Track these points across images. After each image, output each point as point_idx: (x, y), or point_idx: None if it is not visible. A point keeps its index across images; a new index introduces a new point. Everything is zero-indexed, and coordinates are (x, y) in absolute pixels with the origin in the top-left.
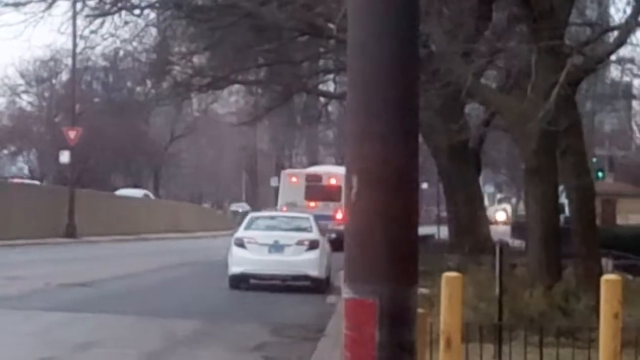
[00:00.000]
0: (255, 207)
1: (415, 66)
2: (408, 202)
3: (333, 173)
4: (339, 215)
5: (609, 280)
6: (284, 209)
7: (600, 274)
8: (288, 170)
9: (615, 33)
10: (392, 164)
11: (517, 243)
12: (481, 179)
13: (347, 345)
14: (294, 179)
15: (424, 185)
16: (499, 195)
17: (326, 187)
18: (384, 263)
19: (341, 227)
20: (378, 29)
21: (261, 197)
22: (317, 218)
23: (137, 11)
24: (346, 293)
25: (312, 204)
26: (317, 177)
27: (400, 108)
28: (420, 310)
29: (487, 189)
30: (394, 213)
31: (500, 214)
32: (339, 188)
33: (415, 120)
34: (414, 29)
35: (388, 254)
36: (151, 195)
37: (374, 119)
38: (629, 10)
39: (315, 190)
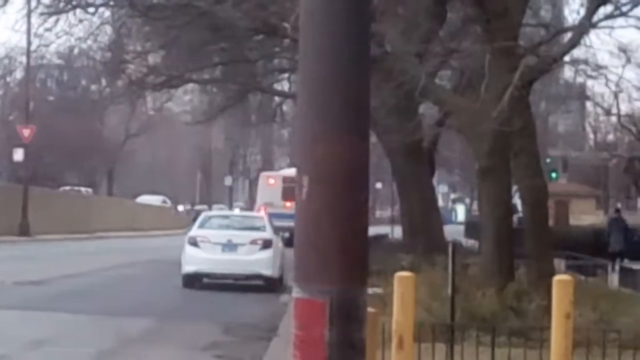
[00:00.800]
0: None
1: (366, 66)
2: (358, 201)
3: None
4: None
5: (561, 280)
6: (262, 208)
7: (553, 274)
8: (266, 173)
9: (569, 34)
10: (342, 163)
11: (470, 243)
12: (435, 179)
13: (297, 345)
14: (271, 181)
15: (378, 185)
16: (452, 195)
17: None
18: (333, 263)
19: None
20: (329, 29)
21: (215, 196)
22: (294, 216)
23: (91, 9)
24: (296, 293)
25: (289, 203)
26: (293, 179)
27: (350, 108)
28: (371, 309)
29: (441, 189)
30: (344, 213)
31: None
32: None
33: (366, 119)
34: (365, 28)
35: (338, 253)
36: (168, 202)
37: (325, 119)
38: (582, 12)
39: (292, 190)
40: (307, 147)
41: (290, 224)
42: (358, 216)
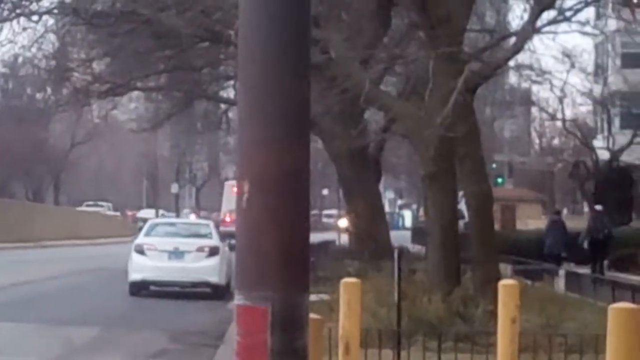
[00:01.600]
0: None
1: (306, 71)
2: (299, 207)
3: None
4: None
5: (506, 285)
6: (228, 215)
7: (499, 279)
8: (230, 182)
9: (514, 40)
10: (282, 169)
11: (417, 248)
12: (382, 185)
13: (239, 352)
14: (235, 189)
15: (325, 192)
16: (399, 201)
17: None
18: (275, 269)
19: None
20: (268, 35)
21: (162, 203)
22: None
23: (35, 17)
24: (238, 300)
25: None
26: None
27: (290, 114)
28: (316, 316)
29: (388, 195)
30: (285, 219)
31: (342, 221)
32: None
33: (305, 125)
34: (305, 33)
35: (279, 260)
36: (166, 214)
37: (264, 125)
38: (526, 17)
39: None
40: (248, 153)
41: None
42: (299, 222)
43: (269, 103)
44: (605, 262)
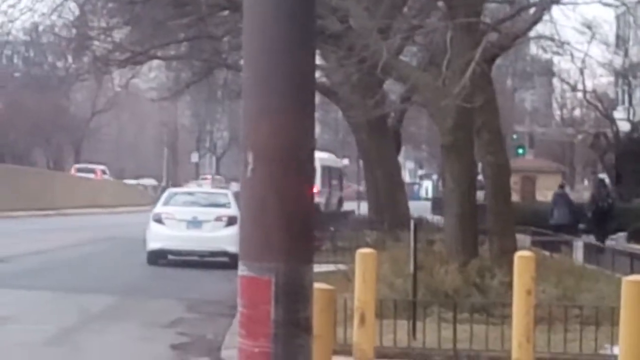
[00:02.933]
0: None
1: (311, 39)
2: (303, 178)
3: None
4: (314, 189)
5: (522, 256)
6: None
7: (515, 250)
8: None
9: (533, 10)
10: (287, 139)
11: (437, 219)
12: (402, 155)
13: (243, 322)
14: None
15: (345, 161)
16: (420, 172)
17: None
18: (278, 240)
19: (316, 200)
20: (273, 5)
21: (182, 172)
22: None
23: None
24: (241, 270)
25: None
26: None
27: (295, 84)
28: (327, 286)
29: (408, 165)
30: (289, 190)
31: None
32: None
33: (311, 96)
34: (311, 4)
35: (283, 230)
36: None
37: (268, 94)
38: None
39: None
40: (252, 123)
41: None
42: (303, 193)
43: (274, 73)
44: (623, 234)
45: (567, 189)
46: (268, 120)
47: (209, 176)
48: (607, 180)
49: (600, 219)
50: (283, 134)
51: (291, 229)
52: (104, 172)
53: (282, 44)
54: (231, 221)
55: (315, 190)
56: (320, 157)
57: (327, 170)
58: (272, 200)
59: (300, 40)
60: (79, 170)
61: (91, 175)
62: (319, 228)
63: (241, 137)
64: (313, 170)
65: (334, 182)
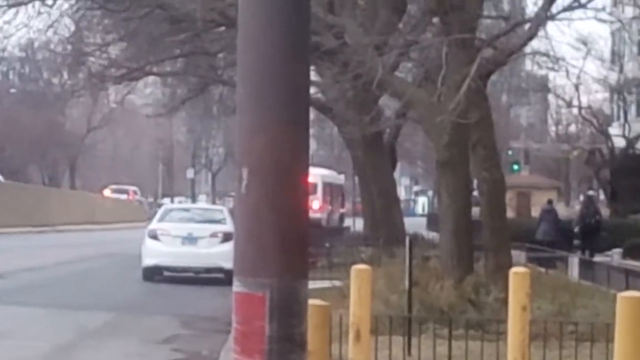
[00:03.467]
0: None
1: (305, 55)
2: (298, 193)
3: (311, 173)
4: (316, 205)
5: (517, 272)
6: None
7: (510, 266)
8: None
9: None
10: (281, 154)
11: (432, 235)
12: (397, 172)
13: (237, 338)
14: None
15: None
16: (415, 188)
17: None
18: (273, 256)
19: (317, 215)
20: (267, 19)
21: (177, 188)
22: None
23: (50, 1)
24: (236, 286)
25: None
26: None
27: (289, 99)
28: (322, 302)
29: (404, 182)
30: (284, 205)
31: None
32: (315, 185)
33: (305, 110)
34: (305, 18)
35: (277, 246)
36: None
37: (263, 111)
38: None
39: None
40: (247, 139)
41: None
42: (298, 208)
43: (268, 88)
44: (618, 250)
45: (562, 205)
46: (262, 136)
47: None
48: (595, 198)
49: (588, 235)
50: (277, 149)
51: (286, 244)
52: (135, 193)
53: (276, 60)
54: (226, 237)
55: (316, 206)
56: (322, 173)
57: (329, 187)
58: (266, 215)
59: (294, 55)
60: (114, 191)
61: (124, 196)
62: (314, 244)
63: (236, 152)
64: (315, 186)
65: (335, 198)
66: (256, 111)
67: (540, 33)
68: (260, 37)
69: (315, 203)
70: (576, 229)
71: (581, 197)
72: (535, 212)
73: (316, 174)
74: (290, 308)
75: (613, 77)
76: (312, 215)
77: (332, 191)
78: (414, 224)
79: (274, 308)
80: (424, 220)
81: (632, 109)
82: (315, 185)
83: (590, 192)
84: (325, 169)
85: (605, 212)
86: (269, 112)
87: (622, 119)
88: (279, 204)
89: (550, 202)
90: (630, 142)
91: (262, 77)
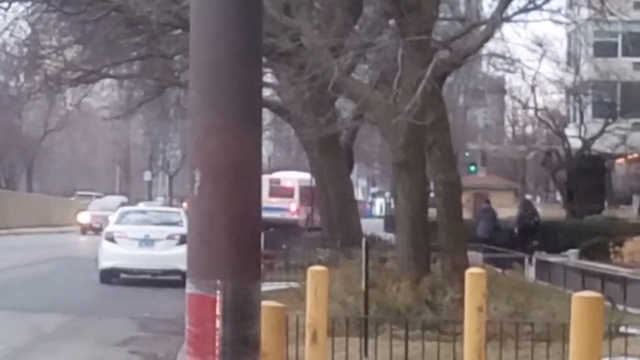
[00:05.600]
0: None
1: (258, 56)
2: (250, 196)
3: (288, 177)
4: (293, 208)
5: (473, 273)
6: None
7: (467, 267)
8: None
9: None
10: (233, 156)
11: (389, 236)
12: (354, 173)
13: (190, 340)
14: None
15: None
16: (372, 189)
17: (283, 188)
18: (226, 257)
19: (294, 217)
20: (219, 20)
21: (134, 191)
22: (277, 210)
23: (5, 4)
24: (189, 288)
25: (274, 199)
26: (277, 180)
27: (242, 99)
28: (277, 304)
29: (361, 183)
30: (236, 207)
31: (83, 215)
32: (292, 188)
33: (257, 113)
34: (257, 18)
35: (230, 248)
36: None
37: (215, 112)
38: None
39: (276, 190)
40: (199, 141)
41: (274, 215)
42: (250, 209)
43: (220, 90)
44: (575, 251)
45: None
46: (215, 138)
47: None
48: (532, 201)
49: (526, 235)
50: (230, 151)
51: (238, 246)
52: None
53: (227, 62)
54: (183, 239)
55: (294, 208)
56: (299, 177)
57: (305, 190)
58: (219, 217)
59: (246, 57)
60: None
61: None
62: (272, 246)
63: (189, 154)
64: (292, 190)
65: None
66: (208, 113)
67: (496, 35)
68: (212, 39)
69: (293, 205)
70: (515, 230)
71: (538, 199)
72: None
73: (293, 179)
74: (244, 310)
75: (569, 78)
76: (290, 216)
77: (310, 194)
78: (372, 226)
79: (227, 310)
80: (381, 221)
81: (588, 110)
82: (292, 189)
83: (528, 196)
84: (302, 173)
85: (561, 213)
86: (221, 114)
87: (578, 120)
88: (231, 206)
89: (487, 201)
90: (586, 143)
91: (214, 79)
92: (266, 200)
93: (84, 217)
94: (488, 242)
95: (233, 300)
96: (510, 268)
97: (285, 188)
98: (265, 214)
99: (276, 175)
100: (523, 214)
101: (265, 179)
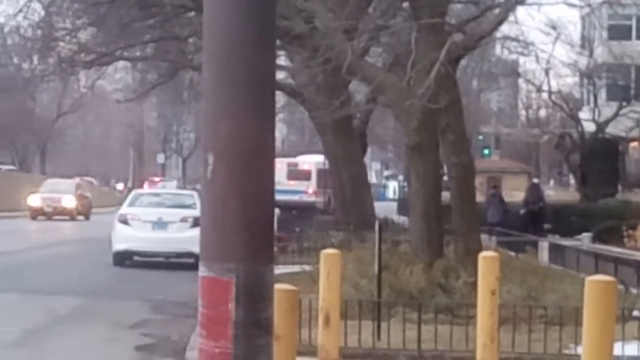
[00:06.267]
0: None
1: (271, 42)
2: (264, 179)
3: (306, 161)
4: (310, 190)
5: (487, 257)
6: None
7: (480, 250)
8: (276, 159)
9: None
10: (246, 140)
11: (402, 220)
12: (368, 156)
13: (203, 323)
14: (279, 165)
15: None
16: (386, 172)
17: (301, 171)
18: (239, 241)
19: (312, 199)
20: (232, 6)
21: (148, 173)
22: (295, 192)
23: None
24: (202, 271)
25: (292, 182)
26: (295, 164)
27: (255, 85)
28: (290, 287)
29: (374, 166)
30: (249, 191)
31: (33, 198)
32: (310, 171)
33: (271, 97)
34: (271, 3)
35: (243, 231)
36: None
37: (229, 97)
38: None
39: (294, 173)
40: (212, 125)
41: (292, 197)
42: (263, 193)
43: (234, 74)
44: (588, 234)
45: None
46: (228, 122)
47: (156, 178)
48: (540, 185)
49: (531, 219)
50: (243, 135)
51: (251, 229)
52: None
53: (241, 46)
54: (197, 222)
55: (311, 191)
56: (316, 160)
57: (323, 173)
58: (232, 201)
59: (259, 41)
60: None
61: None
62: (286, 228)
63: (202, 138)
64: (309, 173)
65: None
66: (221, 97)
67: (510, 18)
68: (226, 22)
69: (310, 188)
70: (521, 212)
71: (552, 182)
72: (507, 197)
73: (311, 162)
74: (256, 293)
75: (583, 61)
76: (307, 199)
77: (326, 177)
78: (385, 209)
79: (240, 293)
80: (394, 204)
81: (602, 94)
82: (309, 172)
83: (535, 180)
84: (319, 155)
85: (575, 196)
86: (235, 98)
87: (592, 104)
88: (244, 189)
89: (495, 186)
90: (600, 127)
91: (228, 63)
92: (284, 183)
93: (34, 200)
94: (499, 226)
95: (246, 283)
96: (524, 251)
97: (302, 171)
98: (284, 197)
99: (293, 159)
100: (528, 198)
101: (284, 162)
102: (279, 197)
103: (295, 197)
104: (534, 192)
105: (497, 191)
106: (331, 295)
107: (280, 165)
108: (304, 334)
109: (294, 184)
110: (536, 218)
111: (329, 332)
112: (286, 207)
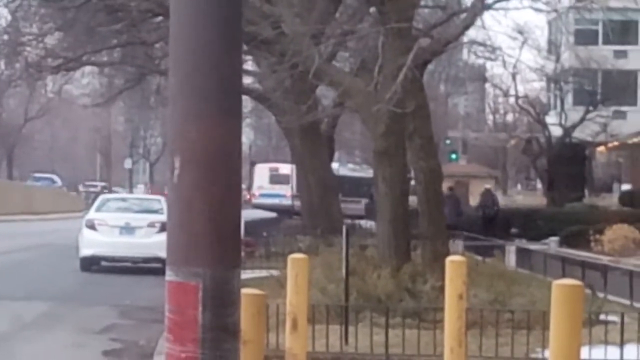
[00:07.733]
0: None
1: (238, 45)
2: (230, 183)
3: (286, 165)
4: (288, 194)
5: (454, 261)
6: (257, 191)
7: (447, 255)
8: (259, 165)
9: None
10: (213, 144)
11: (370, 224)
12: (335, 160)
13: (170, 328)
14: (263, 170)
15: None
16: None
17: (280, 175)
18: (205, 245)
19: (290, 202)
20: (199, 8)
21: (115, 178)
22: (276, 196)
23: None
24: (169, 276)
25: (275, 186)
26: (275, 169)
27: (222, 87)
28: (257, 291)
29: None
30: (216, 194)
31: None
32: (288, 175)
33: (238, 99)
34: (237, 8)
35: (210, 235)
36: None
37: (195, 100)
38: None
39: (275, 177)
40: (178, 128)
41: (274, 201)
42: (230, 198)
43: (200, 77)
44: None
45: (499, 194)
46: (194, 125)
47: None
48: (493, 191)
49: (486, 223)
50: (209, 138)
51: (218, 233)
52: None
53: (207, 49)
54: (164, 227)
55: (289, 194)
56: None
57: None
58: (198, 205)
59: (226, 44)
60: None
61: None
62: (253, 234)
63: (168, 141)
64: (288, 177)
65: None
66: (188, 100)
67: (477, 23)
68: (192, 26)
69: (288, 192)
70: (478, 215)
71: (519, 186)
72: (474, 201)
73: (290, 166)
74: (223, 297)
75: (550, 66)
76: (286, 202)
77: None
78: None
79: (207, 297)
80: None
81: (569, 98)
82: (289, 176)
83: (488, 186)
84: None
85: (542, 200)
86: (201, 101)
87: (558, 108)
88: (211, 193)
89: (451, 188)
90: (567, 131)
91: (194, 66)
92: (267, 187)
93: None
94: (452, 228)
95: (213, 288)
96: (491, 256)
97: (282, 175)
98: (266, 200)
99: (275, 164)
100: (483, 203)
101: (266, 167)
102: (263, 200)
103: (276, 201)
104: (488, 197)
105: (452, 193)
106: (299, 300)
107: (264, 170)
108: (271, 338)
109: (277, 188)
110: (490, 221)
111: (297, 337)
112: (271, 210)
